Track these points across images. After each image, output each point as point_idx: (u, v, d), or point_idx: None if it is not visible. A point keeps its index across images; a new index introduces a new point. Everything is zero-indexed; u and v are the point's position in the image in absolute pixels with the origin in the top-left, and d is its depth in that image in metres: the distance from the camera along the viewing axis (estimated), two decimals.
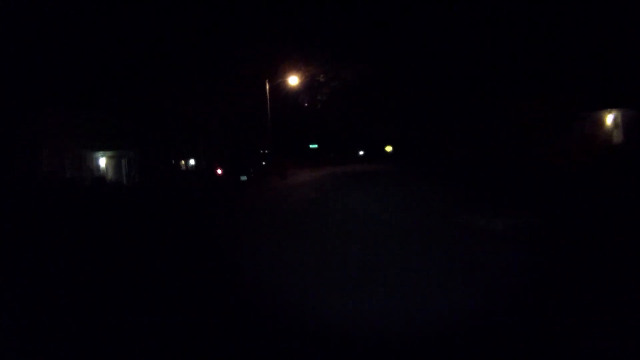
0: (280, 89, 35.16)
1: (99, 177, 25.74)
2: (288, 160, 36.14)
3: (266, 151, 30.67)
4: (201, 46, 30.78)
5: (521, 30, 24.61)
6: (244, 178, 26.79)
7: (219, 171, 31.65)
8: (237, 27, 32.41)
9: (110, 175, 28.07)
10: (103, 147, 27.21)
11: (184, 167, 36.83)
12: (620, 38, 19.43)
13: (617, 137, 22.69)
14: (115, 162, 29.01)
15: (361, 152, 69.07)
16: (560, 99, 23.23)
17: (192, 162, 37.89)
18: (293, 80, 33.64)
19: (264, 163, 28.42)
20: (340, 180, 23.76)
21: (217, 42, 31.54)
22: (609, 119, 23.18)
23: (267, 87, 32.40)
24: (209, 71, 31.84)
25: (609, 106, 22.55)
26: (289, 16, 34.85)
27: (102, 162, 28.06)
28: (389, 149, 63.73)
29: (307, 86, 38.51)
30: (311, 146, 58.68)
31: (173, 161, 34.67)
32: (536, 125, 24.64)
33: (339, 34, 36.81)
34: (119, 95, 27.11)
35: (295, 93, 39.02)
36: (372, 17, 37.19)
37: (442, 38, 32.92)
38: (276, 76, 33.36)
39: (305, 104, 39.92)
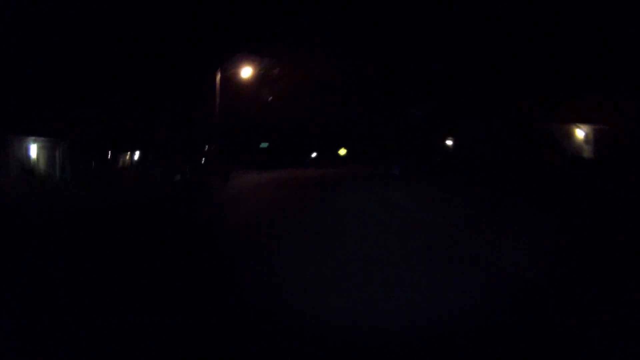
0: (231, 81, 32.84)
1: (28, 169, 21.92)
2: (232, 159, 32.52)
3: (206, 148, 27.30)
4: (145, 24, 28.60)
5: (487, 39, 24.28)
6: (177, 178, 23.31)
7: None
8: (186, 10, 31.03)
9: (41, 165, 25.47)
10: (33, 132, 22.92)
11: (123, 163, 33.54)
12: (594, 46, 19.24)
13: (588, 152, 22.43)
14: (48, 151, 26.23)
15: (313, 154, 66.49)
16: (534, 108, 22.85)
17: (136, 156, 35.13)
18: (246, 72, 30.45)
19: (203, 161, 25.11)
20: (293, 185, 20.58)
21: (163, 23, 29.64)
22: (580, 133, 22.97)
23: (218, 76, 29.25)
24: (155, 57, 29.80)
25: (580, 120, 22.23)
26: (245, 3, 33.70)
27: (32, 149, 23.50)
28: (342, 151, 62.64)
29: (261, 80, 36.63)
30: (261, 145, 55.77)
31: (110, 154, 31.40)
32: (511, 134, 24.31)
33: (303, 28, 35.71)
34: (52, 71, 24.50)
35: (248, 87, 36.93)
36: (341, 8, 36.04)
37: (406, 32, 31.95)
38: (227, 67, 31.20)
39: (269, 99, 38.11)
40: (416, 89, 33.53)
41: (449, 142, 36.28)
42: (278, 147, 56.50)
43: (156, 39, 28.90)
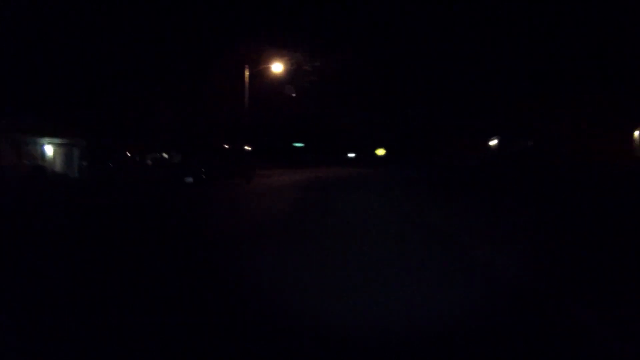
0: (260, 77, 30.34)
1: (38, 167, 22.12)
2: (257, 159, 31.03)
3: (227, 146, 25.15)
4: (167, 23, 27.04)
5: (533, 32, 24.09)
6: (189, 180, 20.54)
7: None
8: (211, 6, 30.23)
9: (58, 165, 24.75)
10: (49, 133, 23.48)
11: (139, 163, 32.32)
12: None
13: None
14: (65, 151, 25.36)
15: (351, 154, 65.31)
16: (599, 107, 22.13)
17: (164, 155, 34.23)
18: (277, 68, 28.66)
19: (222, 160, 22.57)
20: (323, 188, 19.06)
21: (186, 19, 28.71)
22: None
23: (247, 72, 28.02)
24: (179, 55, 28.24)
25: None
26: None
27: (49, 150, 24.49)
28: (381, 152, 61.25)
29: (292, 76, 34.87)
30: (296, 144, 54.30)
31: (128, 154, 29.57)
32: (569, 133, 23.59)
33: (330, 22, 34.98)
34: (71, 75, 23.41)
35: (279, 84, 35.14)
36: (370, 6, 35.75)
37: (443, 31, 31.64)
38: (256, 64, 28.91)
39: (293, 94, 36.56)
40: (468, 87, 32.17)
41: (493, 142, 34.20)
42: (313, 146, 54.89)
43: (178, 34, 28.27)
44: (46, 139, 23.81)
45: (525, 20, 24.57)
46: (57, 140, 24.48)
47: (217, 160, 22.49)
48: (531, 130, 27.42)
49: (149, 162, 30.82)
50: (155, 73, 27.76)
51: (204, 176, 20.96)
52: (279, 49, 29.77)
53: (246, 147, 30.47)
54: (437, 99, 38.24)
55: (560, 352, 3.10)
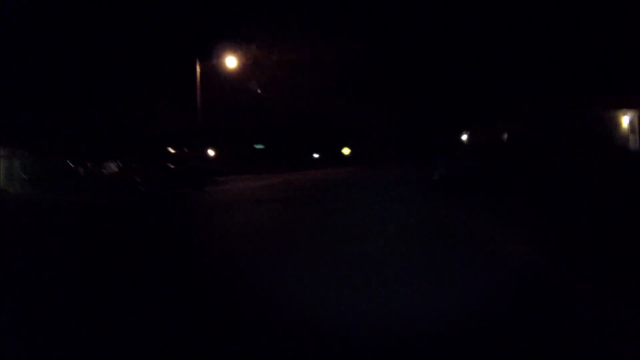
0: (214, 73, 27.51)
1: None
2: (217, 164, 28.53)
3: (174, 151, 21.91)
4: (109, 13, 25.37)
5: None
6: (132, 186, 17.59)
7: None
8: None
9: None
10: None
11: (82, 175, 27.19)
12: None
13: (634, 142, 21.75)
14: (5, 163, 22.74)
15: (316, 155, 62.93)
16: (570, 95, 21.96)
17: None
18: (231, 61, 25.45)
19: (168, 169, 18.67)
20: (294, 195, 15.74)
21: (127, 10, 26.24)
22: (625, 120, 22.27)
23: (198, 67, 25.17)
24: (127, 52, 26.34)
25: (625, 106, 21.59)
26: None
27: None
28: (346, 151, 60.41)
29: (251, 71, 32.08)
30: (256, 146, 51.29)
31: (80, 164, 24.65)
32: (543, 125, 23.44)
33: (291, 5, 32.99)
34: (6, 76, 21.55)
35: (237, 79, 30.80)
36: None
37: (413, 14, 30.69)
38: (208, 57, 26.30)
39: (257, 90, 33.90)
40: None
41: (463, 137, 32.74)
42: (275, 148, 53.16)
43: (119, 25, 26.35)
44: None
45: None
46: None
47: (161, 169, 18.59)
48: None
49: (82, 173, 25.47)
50: (91, 81, 25.79)
51: (144, 190, 17.70)
52: (234, 40, 27.82)
53: (211, 151, 27.83)
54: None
55: (560, 352, 3.10)
